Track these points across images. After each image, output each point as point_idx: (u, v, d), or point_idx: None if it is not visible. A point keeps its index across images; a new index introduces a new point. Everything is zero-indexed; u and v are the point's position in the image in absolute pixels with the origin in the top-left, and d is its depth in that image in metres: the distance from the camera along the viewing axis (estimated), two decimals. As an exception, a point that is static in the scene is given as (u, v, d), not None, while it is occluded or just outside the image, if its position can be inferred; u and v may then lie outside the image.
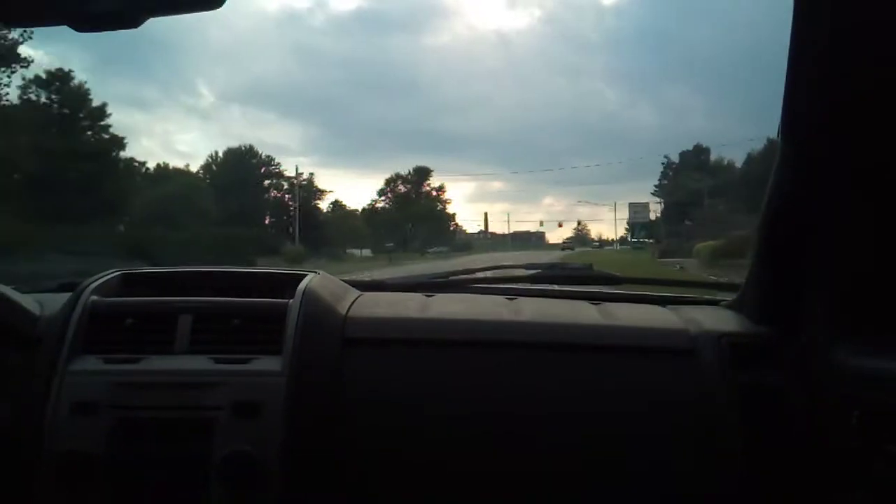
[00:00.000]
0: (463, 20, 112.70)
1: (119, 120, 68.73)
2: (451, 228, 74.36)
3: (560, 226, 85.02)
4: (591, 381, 1.22)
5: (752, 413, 1.17)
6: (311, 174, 62.50)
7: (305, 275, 1.36)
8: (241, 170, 53.97)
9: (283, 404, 1.12)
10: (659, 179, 68.38)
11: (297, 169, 58.53)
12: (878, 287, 1.08)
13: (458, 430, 1.18)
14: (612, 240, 73.63)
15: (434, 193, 69.34)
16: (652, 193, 69.75)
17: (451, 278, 1.75)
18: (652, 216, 69.39)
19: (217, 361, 1.17)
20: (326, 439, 1.14)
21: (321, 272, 1.42)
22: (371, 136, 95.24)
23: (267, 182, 58.24)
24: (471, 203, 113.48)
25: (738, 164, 61.59)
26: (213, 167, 55.85)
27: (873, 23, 0.90)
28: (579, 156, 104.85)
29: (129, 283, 1.36)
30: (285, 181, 60.47)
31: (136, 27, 0.82)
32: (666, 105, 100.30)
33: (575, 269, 1.84)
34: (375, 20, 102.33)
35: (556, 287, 1.69)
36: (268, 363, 1.16)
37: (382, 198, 66.01)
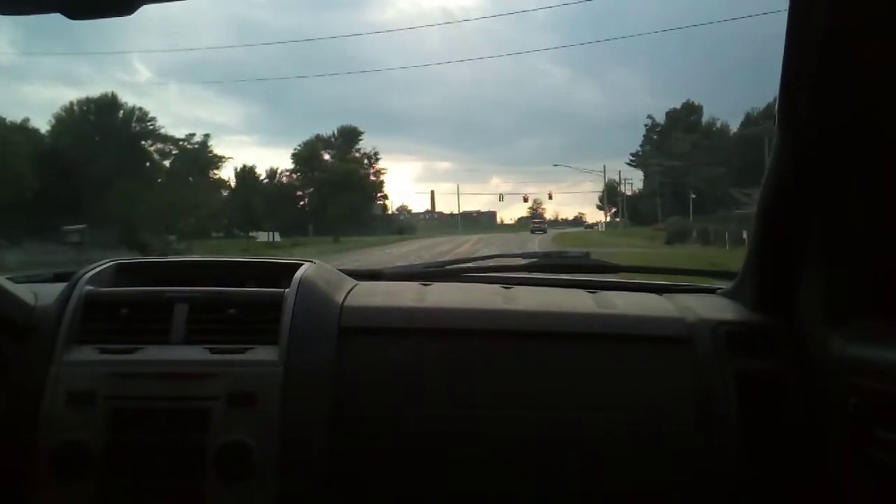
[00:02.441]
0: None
1: (49, 96, 63.84)
2: (381, 204, 58.28)
3: (525, 199, 69.76)
4: (588, 369, 1.22)
5: (749, 401, 1.17)
6: (207, 136, 48.42)
7: (301, 264, 1.35)
8: (102, 127, 39.84)
9: (278, 394, 1.12)
10: (640, 145, 57.22)
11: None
12: (874, 275, 1.09)
13: (455, 418, 1.18)
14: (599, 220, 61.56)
15: (366, 162, 56.22)
16: (629, 163, 58.71)
17: (447, 267, 1.73)
18: (626, 190, 58.12)
19: (213, 351, 1.16)
20: (322, 428, 1.14)
21: (317, 261, 1.41)
22: (314, 115, 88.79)
23: (144, 143, 44.36)
24: (418, 183, 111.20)
25: (733, 126, 51.49)
26: (70, 124, 41.22)
27: (869, 14, 0.92)
28: (526, 135, 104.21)
29: (124, 273, 1.35)
30: (172, 145, 46.55)
31: (130, 14, 0.80)
32: (611, 84, 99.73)
33: (572, 258, 1.80)
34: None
35: (552, 276, 1.68)
36: (264, 353, 1.16)
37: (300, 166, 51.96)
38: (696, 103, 55.47)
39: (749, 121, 49.28)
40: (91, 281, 1.25)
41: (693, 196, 40.56)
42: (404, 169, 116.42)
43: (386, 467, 1.16)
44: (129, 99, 67.49)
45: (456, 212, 78.31)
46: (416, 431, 1.17)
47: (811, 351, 1.15)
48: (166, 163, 46.29)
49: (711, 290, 1.50)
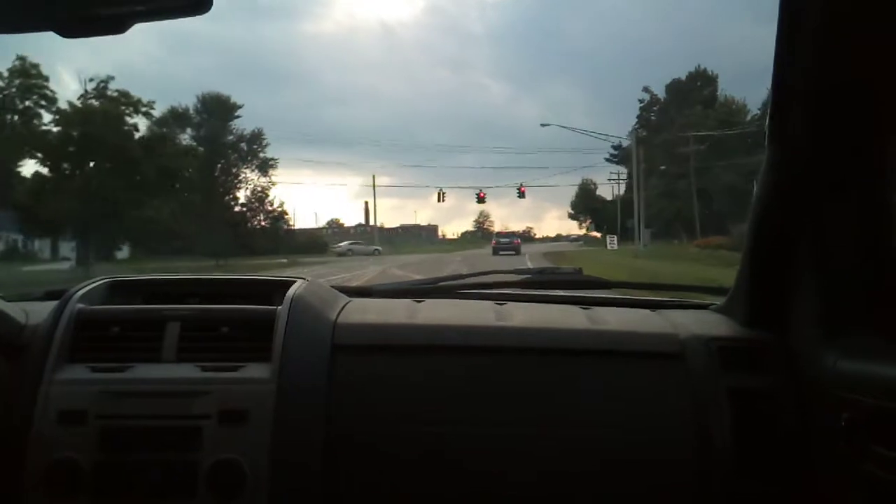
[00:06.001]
0: (344, 8, 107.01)
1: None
2: (276, 212, 41.43)
3: (481, 197, 42.53)
4: (581, 385, 1.22)
5: (742, 416, 1.17)
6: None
7: (294, 281, 1.35)
8: None
9: (271, 412, 1.12)
10: (634, 127, 42.70)
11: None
12: (866, 290, 1.10)
13: (448, 435, 1.18)
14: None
15: (244, 147, 39.80)
16: (608, 159, 44.26)
17: (440, 284, 1.73)
18: (610, 194, 43.79)
19: (204, 369, 1.16)
20: (315, 446, 1.14)
21: (310, 278, 1.41)
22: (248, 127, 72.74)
23: None
24: (358, 199, 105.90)
25: (752, 104, 37.40)
26: None
27: (855, 32, 0.94)
28: (466, 150, 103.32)
29: (116, 291, 1.35)
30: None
31: (123, 32, 0.81)
32: (548, 100, 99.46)
33: (565, 274, 1.79)
34: (250, 3, 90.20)
35: (545, 292, 1.67)
36: (256, 370, 1.16)
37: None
38: (711, 72, 41.78)
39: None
40: (83, 299, 1.25)
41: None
42: (343, 184, 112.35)
43: (379, 485, 1.16)
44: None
45: (394, 225, 63.91)
46: (409, 449, 1.16)
47: (804, 366, 1.16)
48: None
49: (704, 306, 1.50)
